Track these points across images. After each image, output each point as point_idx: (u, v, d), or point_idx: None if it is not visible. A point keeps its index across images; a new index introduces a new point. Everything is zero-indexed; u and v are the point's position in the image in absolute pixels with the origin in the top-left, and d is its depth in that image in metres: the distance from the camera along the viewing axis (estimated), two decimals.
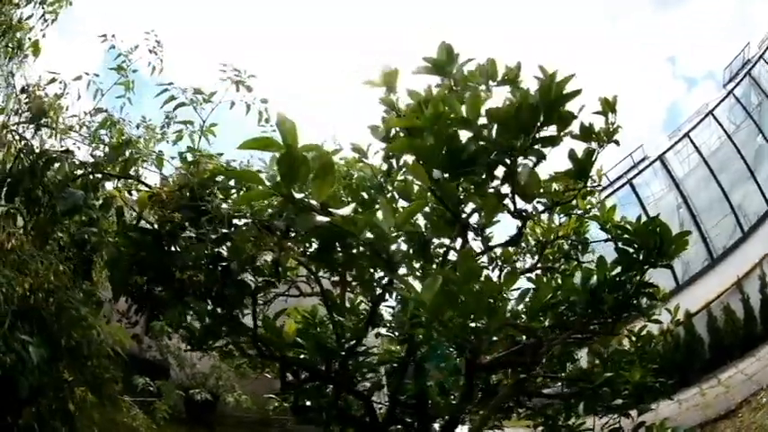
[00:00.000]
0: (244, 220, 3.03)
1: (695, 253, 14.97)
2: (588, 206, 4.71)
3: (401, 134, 3.15)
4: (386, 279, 3.34)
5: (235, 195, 3.18)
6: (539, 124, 2.63)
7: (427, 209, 3.30)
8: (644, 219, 3.87)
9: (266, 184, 2.25)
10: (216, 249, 3.01)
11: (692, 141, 16.40)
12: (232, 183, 3.19)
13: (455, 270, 2.60)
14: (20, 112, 4.55)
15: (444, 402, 4.71)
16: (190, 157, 3.38)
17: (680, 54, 52.16)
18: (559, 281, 4.33)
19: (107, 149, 4.20)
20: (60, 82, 4.63)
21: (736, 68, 18.20)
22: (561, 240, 5.06)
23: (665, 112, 48.53)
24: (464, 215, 3.02)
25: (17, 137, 4.44)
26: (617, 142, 3.62)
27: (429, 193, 2.94)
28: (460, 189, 2.94)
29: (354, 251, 2.65)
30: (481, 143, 2.66)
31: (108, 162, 4.02)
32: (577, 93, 2.67)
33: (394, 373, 4.77)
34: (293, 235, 2.82)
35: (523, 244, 5.12)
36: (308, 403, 4.48)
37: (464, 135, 2.77)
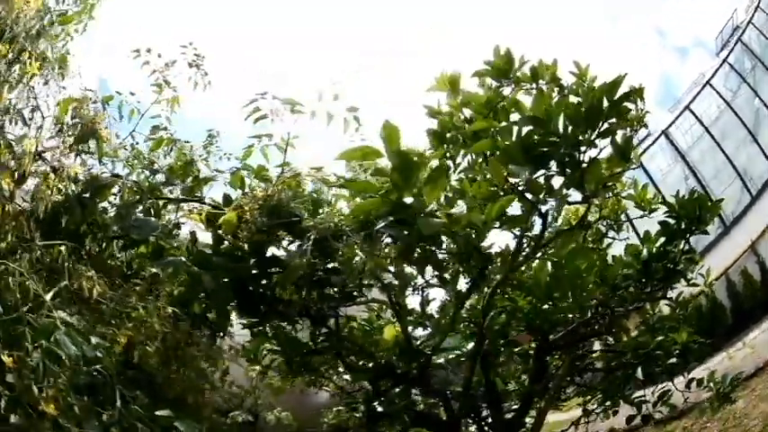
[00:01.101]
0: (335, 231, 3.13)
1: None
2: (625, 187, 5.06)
3: (458, 135, 3.51)
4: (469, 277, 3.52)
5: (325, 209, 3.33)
6: (603, 119, 2.99)
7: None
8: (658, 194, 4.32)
9: (381, 195, 2.53)
10: (315, 264, 3.03)
11: (693, 113, 16.72)
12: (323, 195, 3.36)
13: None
14: (62, 134, 3.88)
15: (514, 388, 5.03)
16: (272, 172, 3.45)
17: (668, 25, 52.58)
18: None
19: (166, 172, 4.00)
20: (94, 101, 4.09)
21: (727, 36, 18.67)
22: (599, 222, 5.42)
23: (659, 84, 48.98)
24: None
25: (56, 164, 3.75)
26: (646, 125, 4.00)
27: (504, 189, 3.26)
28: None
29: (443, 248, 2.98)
30: (552, 139, 3.02)
31: (168, 185, 3.91)
32: (634, 92, 3.05)
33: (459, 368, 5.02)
34: (389, 240, 3.01)
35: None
36: (380, 409, 4.60)
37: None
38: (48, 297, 2.46)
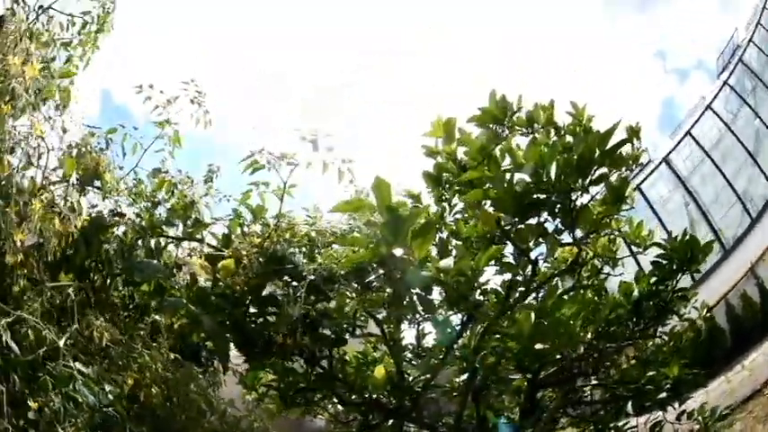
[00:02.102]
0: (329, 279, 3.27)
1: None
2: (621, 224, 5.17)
3: (451, 178, 3.64)
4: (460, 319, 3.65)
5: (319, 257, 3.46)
6: (596, 167, 3.10)
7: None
8: (656, 223, 4.42)
9: (370, 248, 2.66)
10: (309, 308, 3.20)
11: (693, 138, 16.89)
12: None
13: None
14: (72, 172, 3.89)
15: (506, 423, 5.12)
16: (270, 215, 3.62)
17: (669, 48, 53.01)
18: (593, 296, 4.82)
19: (168, 211, 4.15)
20: (99, 136, 4.27)
21: (728, 57, 18.84)
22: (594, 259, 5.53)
23: (661, 107, 49.40)
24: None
25: (61, 201, 3.85)
26: (642, 164, 4.11)
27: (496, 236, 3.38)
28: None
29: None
30: (543, 188, 3.13)
31: (168, 225, 4.00)
32: (630, 135, 3.17)
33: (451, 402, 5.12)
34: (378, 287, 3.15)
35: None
36: None
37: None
38: (61, 343, 2.76)
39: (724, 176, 16.06)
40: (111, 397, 2.79)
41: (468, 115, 3.75)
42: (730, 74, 17.47)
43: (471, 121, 3.66)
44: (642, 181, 17.33)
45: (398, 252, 2.65)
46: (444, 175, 3.74)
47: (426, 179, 3.82)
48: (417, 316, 4.01)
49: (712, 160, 16.38)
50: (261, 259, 3.20)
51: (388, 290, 3.03)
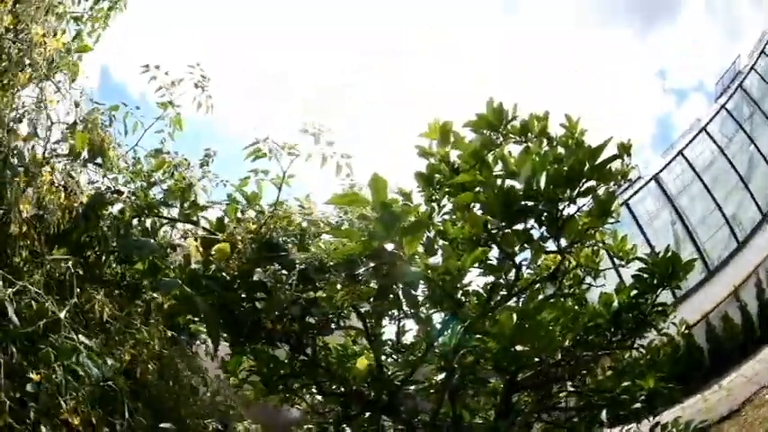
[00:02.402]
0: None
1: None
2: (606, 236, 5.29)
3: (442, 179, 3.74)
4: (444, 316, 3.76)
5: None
6: (585, 180, 3.22)
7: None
8: (641, 238, 4.57)
9: (362, 242, 2.76)
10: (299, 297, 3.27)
11: (685, 159, 17.14)
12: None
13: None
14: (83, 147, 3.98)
15: (481, 424, 5.25)
16: (265, 207, 3.68)
17: (669, 68, 53.49)
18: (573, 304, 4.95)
19: (165, 192, 4.21)
20: (103, 113, 4.28)
21: (728, 81, 19.17)
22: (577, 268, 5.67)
23: (656, 125, 49.90)
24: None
25: (65, 176, 3.95)
26: (631, 181, 4.24)
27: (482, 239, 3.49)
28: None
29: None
30: (531, 195, 3.24)
31: (164, 205, 4.10)
32: (621, 151, 3.29)
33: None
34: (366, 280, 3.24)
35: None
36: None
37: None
38: (62, 315, 2.73)
39: (713, 198, 16.35)
40: (111, 372, 2.80)
41: (466, 116, 3.86)
42: (728, 98, 17.77)
43: (467, 126, 3.76)
44: (630, 196, 17.58)
45: (389, 247, 2.75)
46: (436, 176, 3.85)
47: (418, 179, 3.92)
48: (401, 312, 4.11)
49: (702, 182, 16.66)
50: (254, 245, 3.27)
51: (374, 283, 3.11)
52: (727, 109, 17.29)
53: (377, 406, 4.32)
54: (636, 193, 17.25)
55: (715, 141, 16.94)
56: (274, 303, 3.20)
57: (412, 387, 4.69)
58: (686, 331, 6.86)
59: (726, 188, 16.66)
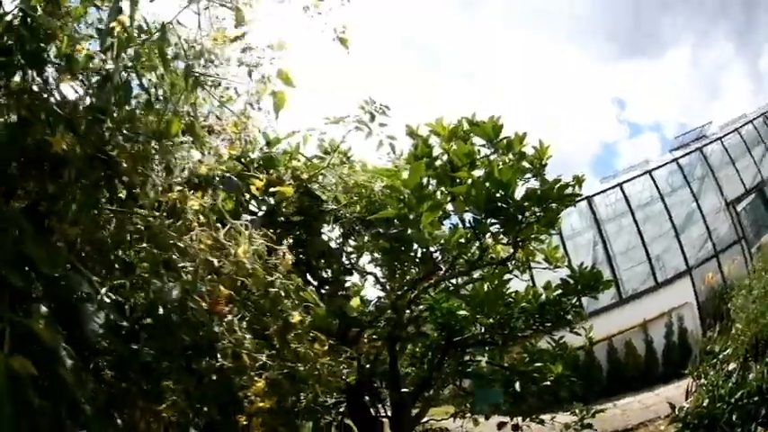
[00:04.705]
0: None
1: None
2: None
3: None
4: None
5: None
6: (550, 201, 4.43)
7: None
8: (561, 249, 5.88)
9: (397, 209, 3.86)
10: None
11: (623, 192, 18.19)
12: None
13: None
14: None
15: (415, 373, 6.45)
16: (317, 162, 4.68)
17: (631, 100, 56.02)
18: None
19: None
20: None
21: (689, 139, 20.94)
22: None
23: (601, 148, 52.53)
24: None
25: None
26: (574, 204, 5.44)
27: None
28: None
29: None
30: (507, 201, 4.41)
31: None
32: (576, 195, 4.49)
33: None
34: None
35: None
36: None
37: None
38: None
39: (640, 235, 17.60)
40: None
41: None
42: (685, 155, 19.31)
43: (468, 132, 4.87)
44: (568, 206, 18.66)
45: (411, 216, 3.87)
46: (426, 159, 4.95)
47: (409, 157, 4.95)
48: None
49: (634, 217, 17.82)
50: (300, 192, 4.19)
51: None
52: (679, 164, 18.74)
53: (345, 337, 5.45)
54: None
55: (657, 187, 18.21)
56: (319, 244, 4.23)
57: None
58: (592, 341, 8.28)
59: (656, 231, 18.00)
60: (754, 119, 20.30)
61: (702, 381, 7.18)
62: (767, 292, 8.50)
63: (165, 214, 2.38)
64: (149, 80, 2.55)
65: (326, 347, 2.56)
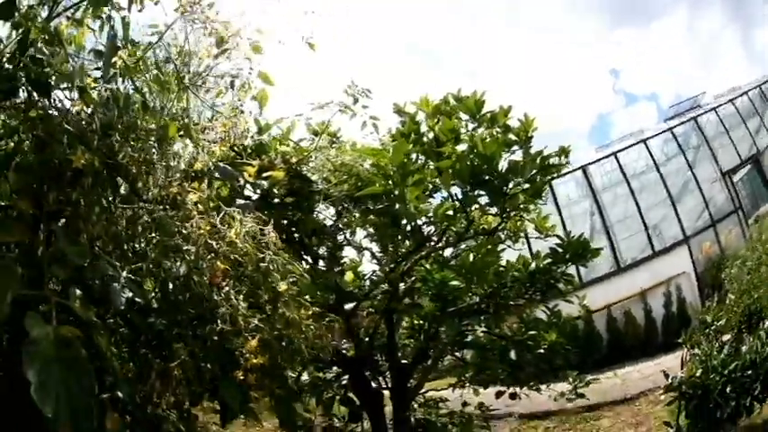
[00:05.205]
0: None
1: (603, 257, 17.07)
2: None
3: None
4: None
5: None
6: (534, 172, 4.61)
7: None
8: (557, 218, 6.10)
9: (383, 185, 4.07)
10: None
11: (618, 161, 18.24)
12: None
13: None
14: None
15: (413, 344, 6.68)
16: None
17: (626, 69, 55.83)
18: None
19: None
20: None
21: (684, 109, 21.00)
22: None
23: (597, 118, 52.62)
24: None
25: None
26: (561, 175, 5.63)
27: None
28: None
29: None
30: (491, 173, 4.60)
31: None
32: (563, 165, 4.68)
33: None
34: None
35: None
36: None
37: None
38: None
39: (636, 204, 17.73)
40: None
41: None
42: (680, 124, 19.38)
43: (455, 109, 5.04)
44: (554, 177, 18.71)
45: (396, 192, 4.09)
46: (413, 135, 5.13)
47: (397, 134, 5.12)
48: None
49: (630, 189, 17.91)
50: (290, 175, 4.39)
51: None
52: (674, 133, 18.83)
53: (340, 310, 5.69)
54: (562, 175, 18.21)
55: (652, 155, 18.31)
56: (311, 222, 4.52)
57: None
58: (586, 310, 8.45)
59: (652, 200, 18.08)
60: (749, 90, 20.38)
61: (696, 351, 7.25)
62: (761, 263, 8.69)
63: (167, 206, 2.78)
64: (143, 81, 2.92)
65: (311, 313, 2.92)
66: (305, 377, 6.01)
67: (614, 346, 15.49)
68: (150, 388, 2.60)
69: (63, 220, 2.52)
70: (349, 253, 5.89)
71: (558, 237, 6.08)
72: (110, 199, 2.69)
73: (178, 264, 2.76)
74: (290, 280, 2.82)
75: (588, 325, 15.11)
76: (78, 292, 2.30)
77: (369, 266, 6.23)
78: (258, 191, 4.26)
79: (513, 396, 7.06)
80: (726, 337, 7.42)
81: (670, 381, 6.78)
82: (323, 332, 2.98)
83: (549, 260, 6.01)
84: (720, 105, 19.91)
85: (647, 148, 18.43)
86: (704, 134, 19.01)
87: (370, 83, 4.60)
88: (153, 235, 2.74)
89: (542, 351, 6.47)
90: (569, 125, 45.09)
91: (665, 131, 19.09)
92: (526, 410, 10.74)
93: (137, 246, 2.82)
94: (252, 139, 4.51)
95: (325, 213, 5.07)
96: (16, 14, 2.40)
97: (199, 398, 2.98)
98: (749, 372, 6.01)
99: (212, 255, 2.71)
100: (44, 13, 2.58)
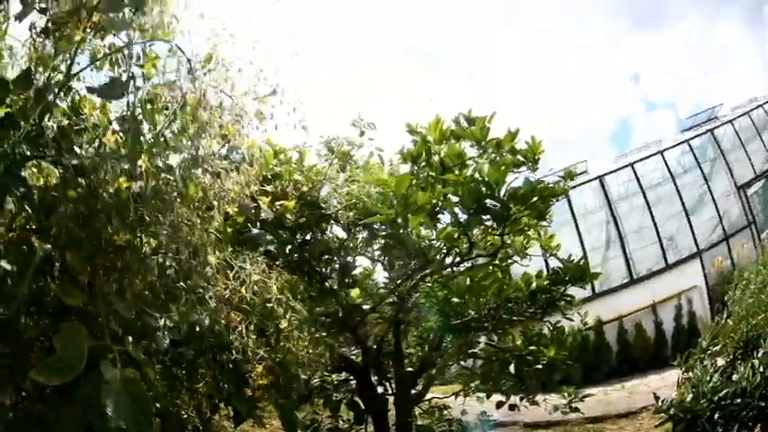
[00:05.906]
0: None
1: (616, 268, 17.37)
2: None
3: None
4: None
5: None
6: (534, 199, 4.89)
7: None
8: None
9: (387, 214, 4.41)
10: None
11: (634, 172, 18.34)
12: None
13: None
14: None
15: (417, 354, 6.99)
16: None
17: (646, 77, 55.33)
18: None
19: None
20: None
21: (701, 120, 20.97)
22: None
23: (616, 124, 52.32)
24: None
25: None
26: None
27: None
28: None
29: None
30: (494, 199, 4.88)
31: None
32: (565, 191, 4.96)
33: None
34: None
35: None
36: None
37: None
38: None
39: (651, 216, 17.84)
40: None
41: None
42: (696, 136, 19.38)
43: (455, 135, 5.31)
44: (572, 186, 18.70)
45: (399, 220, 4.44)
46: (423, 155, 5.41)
47: (406, 155, 5.39)
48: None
49: (646, 199, 18.05)
50: (302, 202, 4.84)
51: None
52: (690, 145, 18.86)
53: (348, 326, 6.02)
54: (579, 185, 17.63)
55: (669, 168, 18.38)
56: (321, 244, 4.93)
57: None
58: (590, 325, 8.60)
59: (668, 212, 18.16)
60: (765, 103, 20.27)
61: (689, 374, 7.26)
62: (765, 285, 8.63)
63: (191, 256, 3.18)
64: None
65: (308, 342, 3.63)
66: (315, 380, 6.33)
67: (624, 358, 15.64)
68: (181, 400, 3.36)
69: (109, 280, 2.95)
70: (363, 262, 6.30)
71: (558, 259, 6.31)
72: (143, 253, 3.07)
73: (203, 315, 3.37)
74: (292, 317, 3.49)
75: (599, 336, 15.28)
76: (130, 338, 2.96)
77: (383, 274, 6.60)
78: (272, 214, 4.63)
79: (513, 407, 7.31)
80: (722, 362, 7.36)
81: (660, 403, 6.89)
82: (316, 358, 3.69)
83: (549, 281, 6.29)
84: (736, 118, 19.91)
85: (664, 159, 18.50)
86: (720, 147, 19.02)
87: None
88: (181, 284, 3.18)
89: (540, 366, 6.73)
90: (589, 128, 44.90)
91: (681, 143, 19.16)
92: (530, 420, 10.92)
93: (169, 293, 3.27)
94: (268, 168, 4.90)
95: (335, 233, 5.41)
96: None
97: (217, 407, 3.91)
98: (738, 400, 6.02)
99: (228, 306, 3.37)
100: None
